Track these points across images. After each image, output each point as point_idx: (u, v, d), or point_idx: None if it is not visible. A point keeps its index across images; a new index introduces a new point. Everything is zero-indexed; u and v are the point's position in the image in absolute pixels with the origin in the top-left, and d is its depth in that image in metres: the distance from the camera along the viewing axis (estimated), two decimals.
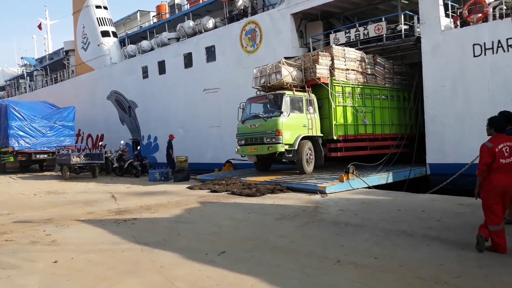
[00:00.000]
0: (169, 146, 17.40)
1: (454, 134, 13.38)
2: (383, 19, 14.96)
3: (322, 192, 10.43)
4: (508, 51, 12.12)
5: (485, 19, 12.95)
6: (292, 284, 4.66)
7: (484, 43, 12.63)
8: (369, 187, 11.47)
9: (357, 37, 15.37)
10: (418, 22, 14.51)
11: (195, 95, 20.98)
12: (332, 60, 13.29)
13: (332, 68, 13.22)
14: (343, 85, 13.37)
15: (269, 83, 13.33)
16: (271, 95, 12.72)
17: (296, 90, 12.96)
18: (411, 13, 15.02)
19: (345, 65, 13.62)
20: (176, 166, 16.00)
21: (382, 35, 14.84)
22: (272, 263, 5.38)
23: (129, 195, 12.15)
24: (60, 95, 29.62)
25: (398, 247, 5.85)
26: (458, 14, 13.65)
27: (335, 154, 13.32)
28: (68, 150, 19.45)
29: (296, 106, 12.84)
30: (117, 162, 18.48)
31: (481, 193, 5.51)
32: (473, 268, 4.96)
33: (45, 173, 20.97)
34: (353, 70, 13.86)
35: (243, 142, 13.30)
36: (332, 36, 16.20)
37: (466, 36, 13.09)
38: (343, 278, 4.78)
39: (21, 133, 20.63)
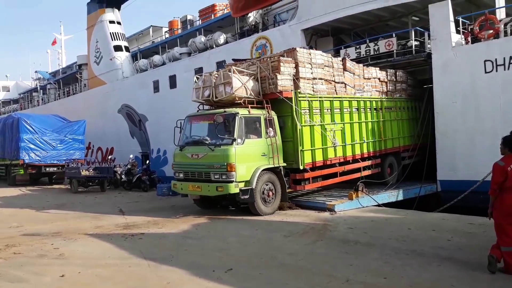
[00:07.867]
0: None
1: (465, 150, 13.21)
2: (394, 35, 14.96)
3: (331, 209, 10.31)
4: None
5: (496, 36, 12.89)
6: None
7: (496, 59, 12.54)
8: (378, 205, 11.32)
9: (368, 53, 15.37)
10: (429, 38, 14.49)
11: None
12: (297, 67, 10.82)
13: (296, 78, 10.77)
14: (309, 99, 10.94)
15: (216, 97, 10.64)
16: (219, 117, 9.60)
17: (251, 106, 10.32)
18: (422, 30, 15.03)
19: (311, 73, 11.19)
20: None
21: (393, 50, 14.81)
22: (280, 281, 5.32)
23: (137, 209, 12.15)
24: (72, 108, 29.93)
25: (408, 267, 5.76)
26: (469, 30, 13.60)
27: (301, 187, 10.97)
28: (77, 164, 19.58)
29: (252, 128, 10.20)
30: (126, 176, 18.54)
31: (494, 212, 5.42)
32: None
33: (55, 186, 21.08)
34: (320, 79, 11.44)
35: (181, 175, 10.63)
36: (342, 51, 16.22)
37: (477, 52, 13.02)
38: None
39: (32, 146, 20.74)
